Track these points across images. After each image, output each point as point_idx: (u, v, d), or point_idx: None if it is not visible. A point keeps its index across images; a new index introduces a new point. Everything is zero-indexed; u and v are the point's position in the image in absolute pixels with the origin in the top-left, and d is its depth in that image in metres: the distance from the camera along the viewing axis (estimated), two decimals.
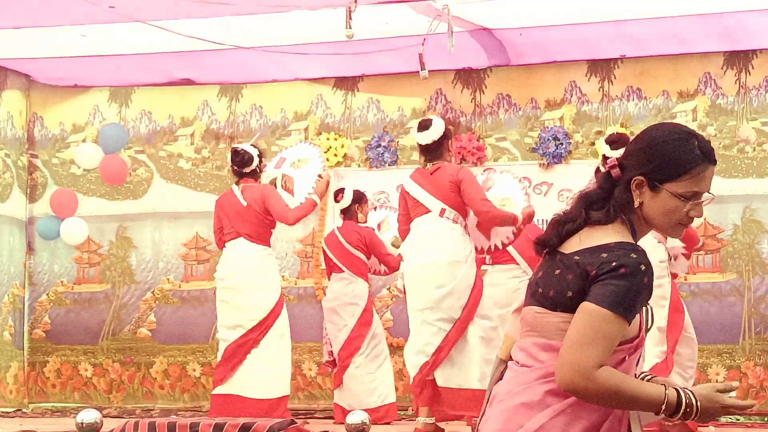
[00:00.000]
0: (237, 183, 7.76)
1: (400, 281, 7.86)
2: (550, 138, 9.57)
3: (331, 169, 9.62)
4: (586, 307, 2.49)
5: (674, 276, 6.87)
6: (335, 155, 10.02)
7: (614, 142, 6.58)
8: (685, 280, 9.05)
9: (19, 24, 8.69)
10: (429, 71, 8.17)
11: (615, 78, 9.55)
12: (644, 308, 2.58)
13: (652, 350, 6.24)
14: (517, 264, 8.00)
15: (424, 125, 6.97)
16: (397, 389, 8.72)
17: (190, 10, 8.03)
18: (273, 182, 7.83)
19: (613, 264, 2.50)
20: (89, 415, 6.78)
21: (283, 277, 9.55)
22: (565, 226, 2.65)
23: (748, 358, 9.04)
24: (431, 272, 6.78)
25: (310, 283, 10.02)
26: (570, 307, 2.53)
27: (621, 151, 2.81)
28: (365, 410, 7.39)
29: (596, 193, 2.67)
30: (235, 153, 7.70)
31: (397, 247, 7.85)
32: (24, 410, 10.19)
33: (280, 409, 7.40)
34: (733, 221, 9.17)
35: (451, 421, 7.36)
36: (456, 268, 6.75)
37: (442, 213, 6.84)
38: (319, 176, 7.77)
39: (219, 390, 7.60)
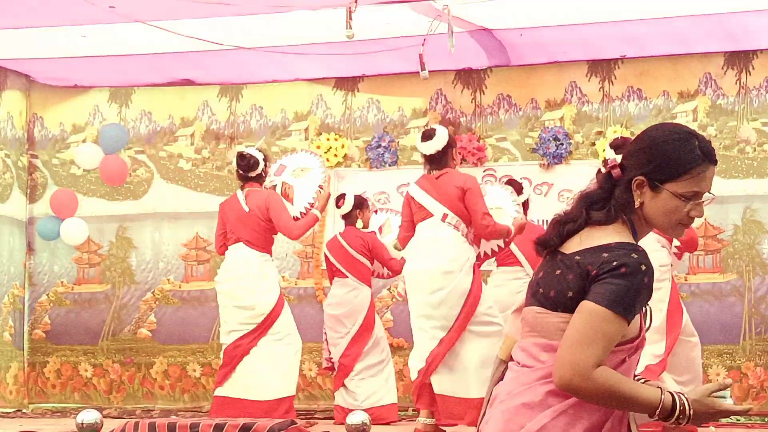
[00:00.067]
0: (242, 187, 7.70)
1: (402, 285, 7.85)
2: (551, 138, 9.56)
3: (331, 170, 9.62)
4: (586, 306, 2.49)
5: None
6: (335, 156, 10.01)
7: (619, 146, 6.54)
8: (686, 280, 9.05)
9: (19, 24, 8.68)
10: (429, 71, 8.16)
11: (615, 78, 9.55)
12: (644, 309, 2.58)
13: (647, 349, 6.22)
14: (521, 266, 8.03)
15: (427, 135, 6.93)
16: (397, 389, 8.70)
17: (190, 10, 8.02)
18: (273, 189, 7.79)
19: (614, 263, 2.49)
20: (89, 416, 6.78)
21: (283, 277, 9.55)
22: (565, 226, 2.64)
23: (749, 359, 9.04)
24: (428, 277, 6.77)
25: (311, 283, 10.01)
26: (571, 308, 2.52)
27: None
28: (365, 410, 7.38)
29: (597, 194, 2.67)
30: (241, 157, 7.63)
31: (399, 250, 7.84)
32: (24, 411, 10.18)
33: (279, 410, 7.38)
34: (734, 222, 9.17)
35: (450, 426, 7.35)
36: (449, 276, 6.72)
37: (444, 218, 6.82)
38: (320, 187, 7.73)
39: (219, 392, 7.60)
